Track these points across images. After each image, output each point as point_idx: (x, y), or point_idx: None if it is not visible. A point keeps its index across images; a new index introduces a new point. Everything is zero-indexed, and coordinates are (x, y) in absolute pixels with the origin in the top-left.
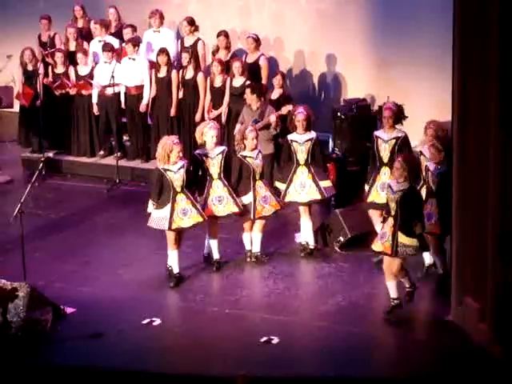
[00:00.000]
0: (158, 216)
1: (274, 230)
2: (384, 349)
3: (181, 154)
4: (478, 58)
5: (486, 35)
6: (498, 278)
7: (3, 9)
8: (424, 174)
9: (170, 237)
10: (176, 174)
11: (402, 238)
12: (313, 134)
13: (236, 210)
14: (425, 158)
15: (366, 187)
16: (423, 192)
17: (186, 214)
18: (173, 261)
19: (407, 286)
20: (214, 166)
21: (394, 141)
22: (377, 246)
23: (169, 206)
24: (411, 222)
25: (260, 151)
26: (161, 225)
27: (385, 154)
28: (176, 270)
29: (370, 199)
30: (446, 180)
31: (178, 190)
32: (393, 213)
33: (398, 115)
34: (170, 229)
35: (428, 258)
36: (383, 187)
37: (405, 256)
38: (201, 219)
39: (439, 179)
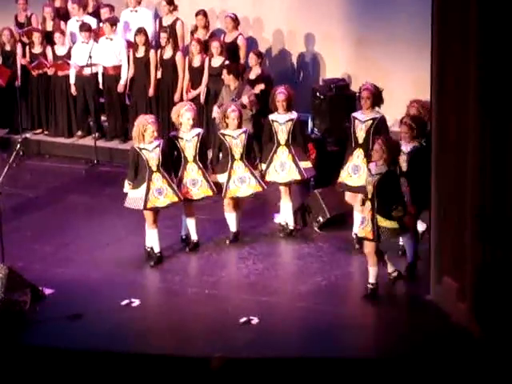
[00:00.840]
0: (134, 196)
1: (253, 211)
2: (364, 329)
3: (155, 134)
4: (457, 36)
5: (464, 13)
6: (476, 258)
7: None
8: None
9: (149, 216)
10: (151, 153)
11: (381, 222)
12: (294, 115)
13: (210, 193)
14: None
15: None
16: None
17: (161, 193)
18: (153, 240)
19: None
20: (190, 148)
21: (370, 122)
22: (359, 231)
23: (144, 185)
24: (389, 205)
25: (245, 131)
26: (137, 204)
27: (360, 135)
28: (157, 250)
29: (339, 180)
30: (417, 158)
31: (154, 169)
32: (370, 196)
33: (377, 97)
34: (145, 208)
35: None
36: (355, 169)
37: (386, 239)
38: (176, 199)
39: (410, 157)
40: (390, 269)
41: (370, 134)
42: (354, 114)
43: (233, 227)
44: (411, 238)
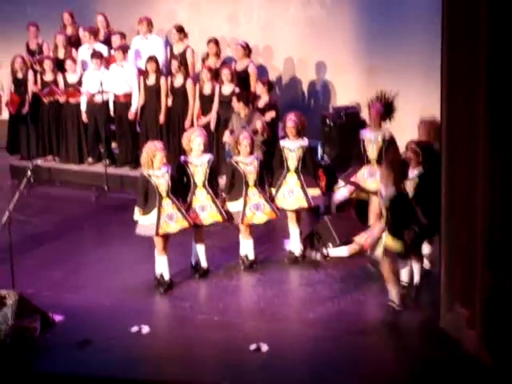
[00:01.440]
0: (144, 223)
1: (263, 237)
2: (373, 356)
3: (164, 160)
4: (466, 65)
5: (473, 42)
6: (487, 285)
7: None
8: None
9: (159, 243)
10: (161, 179)
11: (388, 239)
12: (305, 142)
13: (219, 219)
14: None
15: (341, 182)
16: None
17: (172, 218)
18: (162, 267)
19: (394, 298)
20: (199, 173)
21: (381, 140)
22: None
23: (155, 211)
24: (400, 227)
25: (257, 158)
26: (148, 231)
27: (372, 153)
28: (166, 276)
29: (353, 179)
30: (422, 183)
31: (164, 194)
32: (384, 218)
33: (385, 114)
34: (157, 234)
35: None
36: (371, 173)
37: (384, 257)
38: (187, 224)
39: (416, 183)
40: (393, 294)
41: (382, 152)
42: (363, 132)
43: (251, 254)
44: (416, 262)
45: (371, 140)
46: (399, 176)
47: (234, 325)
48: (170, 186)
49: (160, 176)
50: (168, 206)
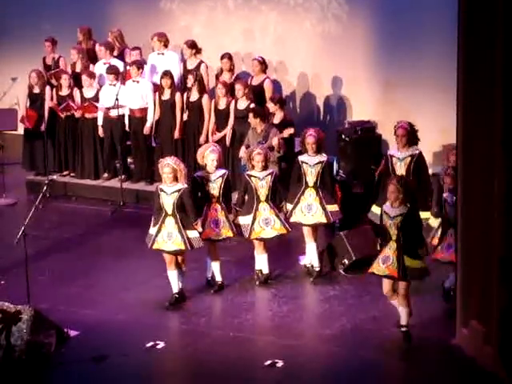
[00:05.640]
0: (149, 233)
1: (278, 252)
2: (388, 373)
3: (170, 176)
4: (483, 81)
5: (490, 58)
6: (503, 301)
7: (8, 31)
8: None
9: (166, 257)
10: (168, 196)
11: (409, 262)
12: (324, 157)
13: (230, 234)
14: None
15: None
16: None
17: (170, 238)
18: (171, 281)
19: (403, 323)
20: (214, 189)
21: (409, 158)
22: (379, 269)
23: (158, 226)
24: (416, 244)
25: (272, 173)
26: (147, 242)
27: (400, 173)
28: (174, 290)
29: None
30: None
31: (169, 212)
32: (394, 237)
33: (412, 135)
34: (150, 248)
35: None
36: None
37: (413, 279)
38: (183, 247)
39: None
40: (403, 320)
41: (410, 171)
42: (391, 152)
43: (265, 269)
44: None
45: (399, 159)
46: (408, 194)
47: (249, 340)
48: (176, 205)
49: (168, 193)
50: (170, 224)
